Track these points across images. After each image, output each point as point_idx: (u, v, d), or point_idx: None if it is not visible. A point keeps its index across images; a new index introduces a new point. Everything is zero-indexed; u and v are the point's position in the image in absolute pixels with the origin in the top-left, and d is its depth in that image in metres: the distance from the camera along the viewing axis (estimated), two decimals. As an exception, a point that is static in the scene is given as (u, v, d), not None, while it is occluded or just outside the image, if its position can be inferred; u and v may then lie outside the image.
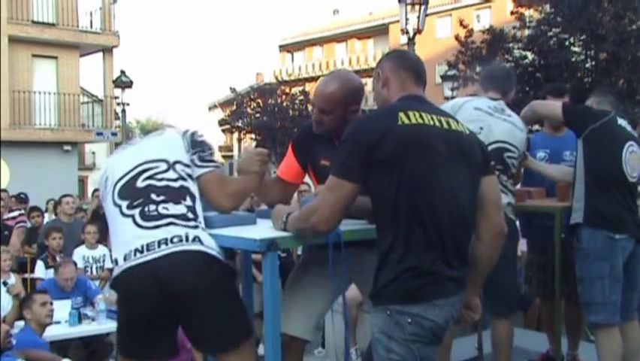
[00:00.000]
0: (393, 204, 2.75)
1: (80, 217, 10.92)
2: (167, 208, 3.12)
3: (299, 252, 7.96)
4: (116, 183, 3.24)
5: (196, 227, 3.12)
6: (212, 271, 3.08)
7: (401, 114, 2.83)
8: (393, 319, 2.75)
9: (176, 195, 3.17)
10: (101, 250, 9.25)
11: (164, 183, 3.18)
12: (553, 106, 4.79)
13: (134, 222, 3.10)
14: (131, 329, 3.14)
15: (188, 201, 3.19)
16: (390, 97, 3.05)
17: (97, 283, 8.75)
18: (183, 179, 3.23)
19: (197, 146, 3.34)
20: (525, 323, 7.55)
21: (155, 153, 3.28)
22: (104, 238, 10.25)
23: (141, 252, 3.02)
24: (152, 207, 3.12)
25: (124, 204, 3.17)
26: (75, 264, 8.08)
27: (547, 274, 5.22)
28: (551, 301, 5.20)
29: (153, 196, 3.14)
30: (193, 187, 3.26)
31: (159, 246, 3.02)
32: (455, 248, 2.83)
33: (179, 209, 3.13)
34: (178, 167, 3.25)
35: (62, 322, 6.83)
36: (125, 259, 3.05)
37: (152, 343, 3.11)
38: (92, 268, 9.00)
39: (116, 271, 3.09)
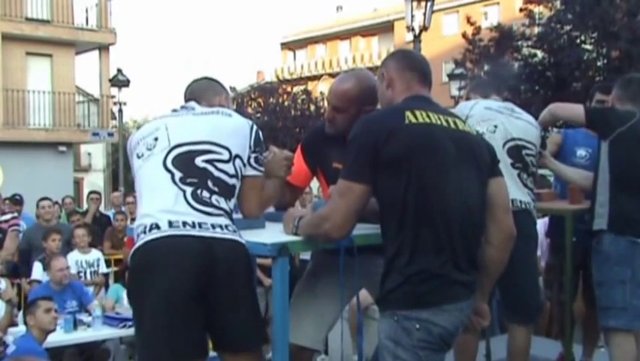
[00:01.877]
0: (401, 206, 2.75)
1: (75, 220, 10.95)
2: (219, 201, 3.09)
3: (302, 256, 7.95)
4: (173, 148, 3.16)
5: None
6: (251, 272, 3.13)
7: (408, 113, 2.84)
8: (400, 324, 2.75)
9: (227, 192, 3.15)
10: (95, 254, 9.26)
11: (219, 174, 3.13)
12: (575, 109, 4.73)
13: (185, 198, 3.05)
14: (160, 311, 2.92)
15: (232, 203, 3.19)
16: (394, 97, 3.06)
17: (92, 288, 8.78)
18: (237, 177, 3.20)
19: (258, 145, 3.31)
20: (534, 329, 7.53)
21: (221, 137, 3.20)
22: (100, 241, 10.29)
23: (193, 226, 2.97)
24: (206, 194, 3.07)
25: (177, 173, 3.10)
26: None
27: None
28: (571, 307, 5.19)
29: (209, 183, 3.10)
30: (238, 188, 3.24)
31: (214, 228, 2.99)
32: (465, 251, 2.83)
33: (227, 206, 3.12)
34: (237, 162, 3.20)
35: (57, 328, 6.83)
36: (170, 225, 2.97)
37: (183, 331, 2.94)
38: (86, 272, 9.01)
39: (157, 235, 2.96)
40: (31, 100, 24.86)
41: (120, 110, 24.29)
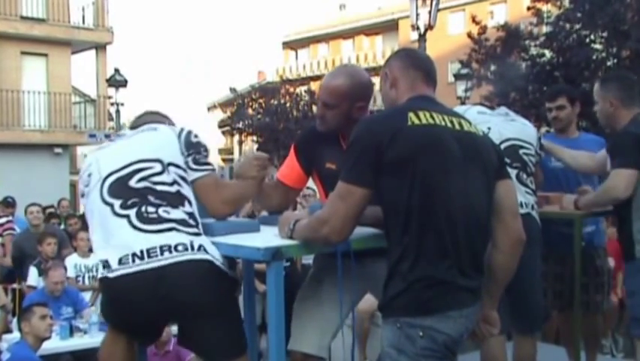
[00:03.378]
0: (404, 210, 2.74)
1: (72, 223, 10.96)
2: (167, 212, 3.09)
3: (304, 261, 7.95)
4: (105, 179, 3.19)
5: (198, 234, 3.11)
6: (217, 284, 3.09)
7: (411, 114, 2.82)
8: (403, 332, 2.73)
9: (175, 199, 3.15)
10: (94, 258, 9.25)
11: (160, 187, 3.15)
12: (616, 178, 4.46)
13: (130, 223, 3.06)
14: (119, 323, 3.25)
15: (187, 207, 3.17)
16: (398, 98, 3.05)
17: (90, 294, 8.78)
18: (178, 183, 3.20)
19: (192, 147, 3.31)
20: (543, 336, 7.53)
21: (148, 151, 3.24)
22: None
23: (141, 258, 2.99)
24: (151, 208, 3.08)
25: (116, 203, 3.12)
26: (65, 269, 8.09)
27: (564, 285, 5.21)
28: (569, 313, 5.21)
29: (151, 198, 3.11)
30: (189, 192, 3.23)
31: (162, 253, 2.99)
32: (470, 256, 2.82)
33: (179, 214, 3.11)
34: (172, 169, 3.21)
35: (53, 335, 6.82)
36: (120, 262, 3.01)
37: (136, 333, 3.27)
38: (84, 277, 9.00)
39: (109, 274, 3.03)
40: (26, 101, 24.84)
41: (117, 111, 24.26)
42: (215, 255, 3.08)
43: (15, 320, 7.29)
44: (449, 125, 2.88)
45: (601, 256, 5.41)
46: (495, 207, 2.96)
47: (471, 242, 2.82)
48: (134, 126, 3.56)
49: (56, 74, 25.53)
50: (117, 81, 23.46)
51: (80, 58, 28.33)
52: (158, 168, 3.19)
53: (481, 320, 3.06)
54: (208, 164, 3.36)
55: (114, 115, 25.02)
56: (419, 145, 2.77)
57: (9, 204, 12.59)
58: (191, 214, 3.17)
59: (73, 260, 8.95)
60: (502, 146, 4.37)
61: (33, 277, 8.63)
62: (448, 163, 2.79)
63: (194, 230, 3.12)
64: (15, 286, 9.75)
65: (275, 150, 28.90)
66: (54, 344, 6.74)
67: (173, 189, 3.18)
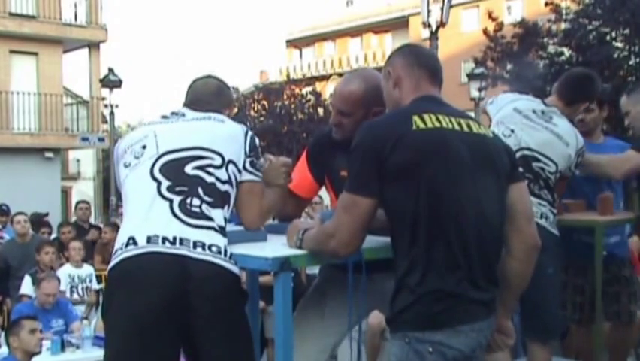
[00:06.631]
0: (411, 219, 2.73)
1: (65, 232, 10.97)
2: (210, 210, 3.10)
3: (308, 271, 7.94)
4: (161, 156, 3.19)
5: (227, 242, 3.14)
6: (237, 296, 3.11)
7: (415, 118, 2.81)
8: (412, 347, 2.73)
9: (220, 199, 3.17)
10: (87, 268, 9.28)
11: (212, 180, 3.16)
12: (622, 161, 4.81)
13: (171, 208, 3.07)
14: (130, 329, 2.98)
15: (226, 211, 3.20)
16: (402, 98, 3.04)
17: (82, 308, 8.78)
18: (230, 184, 3.22)
19: (254, 150, 3.34)
20: (563, 353, 7.51)
21: (214, 142, 3.23)
22: (90, 256, 10.30)
23: (172, 243, 2.99)
24: (196, 201, 3.09)
25: (165, 182, 3.12)
26: (59, 281, 8.10)
27: (585, 297, 5.20)
28: (589, 327, 5.20)
29: (199, 190, 3.12)
30: (233, 196, 3.26)
31: (194, 247, 3.00)
32: (483, 267, 2.81)
33: (219, 216, 3.13)
34: (230, 168, 3.22)
35: (44, 350, 6.82)
36: (148, 241, 3.00)
37: (152, 355, 2.99)
38: (77, 288, 9.02)
39: (132, 252, 3.00)
40: (15, 102, 24.87)
41: (112, 113, 24.21)
42: (236, 266, 3.08)
43: (3, 334, 7.30)
44: (457, 127, 2.87)
45: (627, 266, 5.42)
46: (508, 212, 2.95)
47: (483, 252, 2.81)
48: (197, 101, 3.50)
49: (47, 74, 25.56)
50: (111, 81, 23.44)
51: (72, 57, 28.43)
52: (218, 161, 3.20)
53: (495, 330, 3.05)
54: (260, 171, 3.38)
55: (108, 117, 24.97)
56: (425, 151, 2.76)
57: (3, 212, 12.61)
58: (226, 221, 3.20)
59: (66, 270, 8.99)
60: (517, 155, 4.36)
61: (27, 285, 8.62)
62: (457, 169, 2.78)
63: (225, 239, 3.13)
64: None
65: (278, 155, 28.75)
66: (44, 359, 6.73)
67: (223, 188, 3.19)
